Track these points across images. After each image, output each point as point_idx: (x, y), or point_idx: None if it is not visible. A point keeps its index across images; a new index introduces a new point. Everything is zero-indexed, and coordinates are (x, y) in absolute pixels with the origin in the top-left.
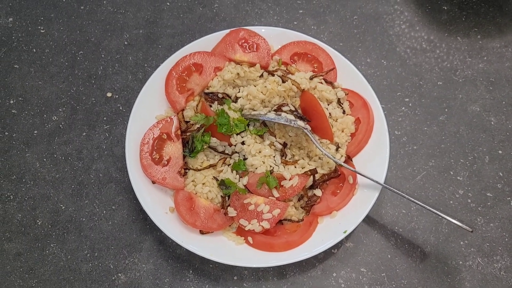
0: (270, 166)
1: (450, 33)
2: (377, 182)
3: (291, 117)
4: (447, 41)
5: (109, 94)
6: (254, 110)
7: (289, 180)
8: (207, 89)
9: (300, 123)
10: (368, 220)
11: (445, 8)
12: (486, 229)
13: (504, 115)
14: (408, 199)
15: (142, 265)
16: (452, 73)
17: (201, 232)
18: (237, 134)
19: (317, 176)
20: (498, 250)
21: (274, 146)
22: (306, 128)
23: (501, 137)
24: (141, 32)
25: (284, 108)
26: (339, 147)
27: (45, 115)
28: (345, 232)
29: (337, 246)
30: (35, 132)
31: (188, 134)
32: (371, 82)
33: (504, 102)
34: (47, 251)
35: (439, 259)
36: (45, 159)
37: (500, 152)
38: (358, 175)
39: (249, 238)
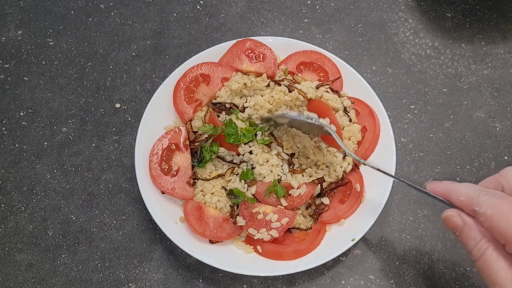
0: (278, 175)
1: (454, 40)
2: (388, 174)
3: (314, 115)
4: (452, 47)
5: (117, 105)
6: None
7: (297, 188)
8: (215, 99)
9: (323, 121)
10: (376, 227)
11: (449, 15)
12: None
13: (509, 121)
14: (419, 189)
15: (152, 274)
16: (457, 79)
17: (211, 242)
18: (245, 144)
19: (324, 185)
20: None
21: (281, 156)
22: (330, 127)
23: (507, 143)
24: (149, 43)
25: None
26: (346, 155)
27: (55, 127)
28: (353, 240)
29: (345, 253)
30: (45, 143)
31: (196, 144)
32: (376, 90)
33: (509, 108)
34: (59, 262)
35: (447, 265)
36: (55, 171)
37: (505, 158)
38: (365, 184)
39: (258, 247)
